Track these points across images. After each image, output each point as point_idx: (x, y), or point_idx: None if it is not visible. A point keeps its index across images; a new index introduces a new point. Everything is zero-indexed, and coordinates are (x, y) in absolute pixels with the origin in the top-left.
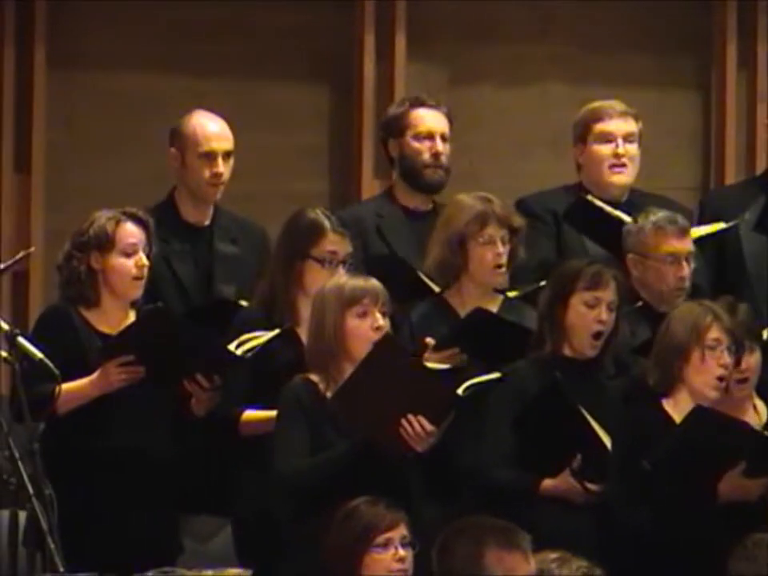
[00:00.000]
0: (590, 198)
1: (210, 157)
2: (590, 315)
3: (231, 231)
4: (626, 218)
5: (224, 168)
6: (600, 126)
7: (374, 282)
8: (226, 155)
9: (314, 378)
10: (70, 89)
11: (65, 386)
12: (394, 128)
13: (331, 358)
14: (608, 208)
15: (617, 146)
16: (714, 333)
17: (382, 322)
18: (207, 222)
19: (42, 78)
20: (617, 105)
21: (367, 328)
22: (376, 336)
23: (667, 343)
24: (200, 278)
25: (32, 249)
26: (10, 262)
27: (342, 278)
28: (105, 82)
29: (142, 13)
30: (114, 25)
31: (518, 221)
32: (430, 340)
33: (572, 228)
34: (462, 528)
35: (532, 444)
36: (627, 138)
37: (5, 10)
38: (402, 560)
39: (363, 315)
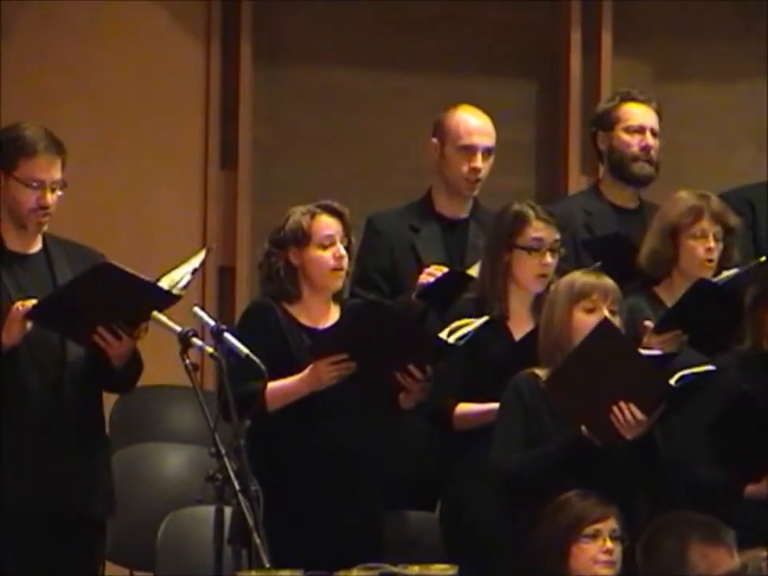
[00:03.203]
0: None
1: (470, 151)
2: None
3: (488, 225)
4: None
5: (483, 164)
6: None
7: (606, 280)
8: (487, 151)
9: (539, 371)
10: (275, 84)
11: (275, 384)
12: (605, 121)
13: (558, 350)
14: None
15: None
16: None
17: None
18: (465, 215)
19: (248, 74)
20: None
21: (593, 323)
22: None
23: None
24: (449, 267)
25: (213, 245)
26: (197, 264)
27: (577, 273)
28: (309, 77)
29: (346, 7)
30: (319, 19)
31: (734, 220)
32: (648, 323)
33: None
34: (666, 523)
35: (729, 448)
36: None
37: (211, 7)
38: (609, 552)
39: (591, 310)
